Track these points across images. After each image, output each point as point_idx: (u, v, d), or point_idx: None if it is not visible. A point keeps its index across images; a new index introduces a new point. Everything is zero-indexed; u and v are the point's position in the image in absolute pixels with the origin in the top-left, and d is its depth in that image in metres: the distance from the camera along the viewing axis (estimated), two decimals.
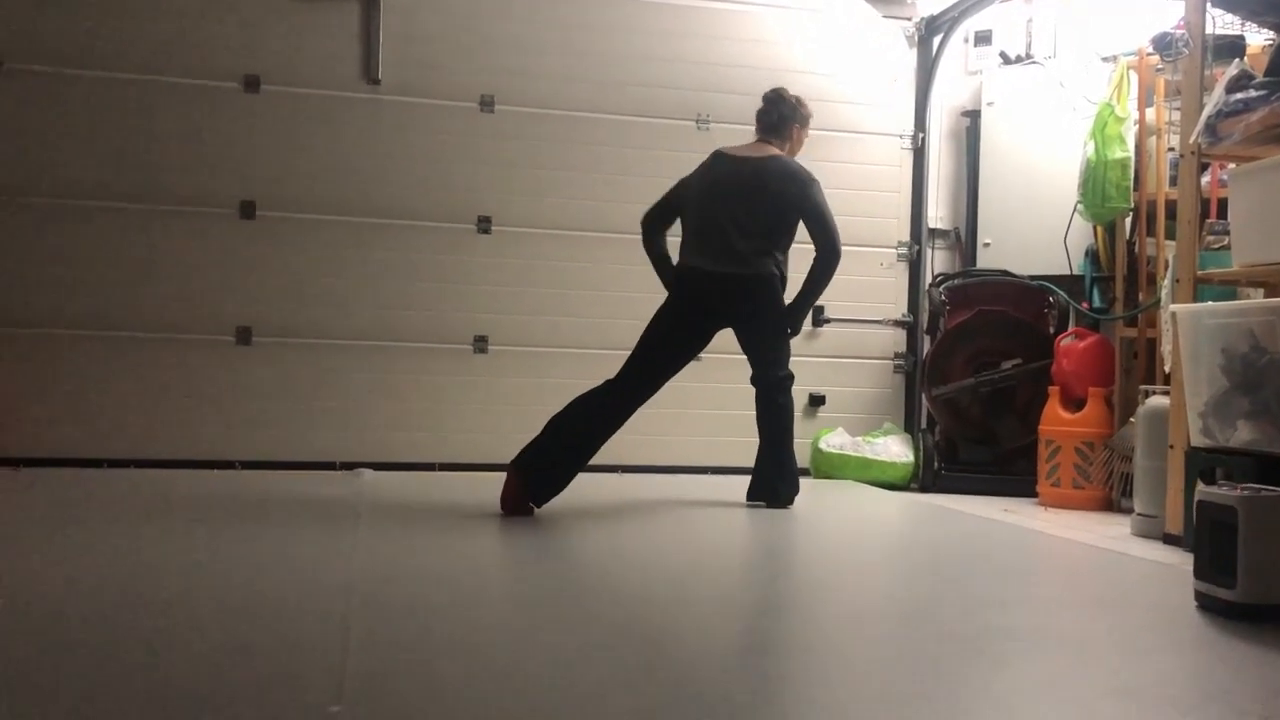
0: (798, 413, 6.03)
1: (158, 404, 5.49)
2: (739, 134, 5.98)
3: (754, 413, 4.53)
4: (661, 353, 4.33)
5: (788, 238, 4.49)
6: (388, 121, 5.73)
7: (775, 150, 4.53)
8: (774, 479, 4.49)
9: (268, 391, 5.60)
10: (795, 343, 6.03)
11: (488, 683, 2.03)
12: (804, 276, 4.51)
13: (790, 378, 4.54)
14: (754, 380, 4.51)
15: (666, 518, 4.31)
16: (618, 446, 5.76)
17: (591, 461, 5.59)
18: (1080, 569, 3.66)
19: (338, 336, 5.69)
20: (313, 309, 5.66)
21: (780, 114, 4.54)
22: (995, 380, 5.58)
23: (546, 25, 5.92)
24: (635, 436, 5.83)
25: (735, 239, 4.34)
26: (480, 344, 5.85)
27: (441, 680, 2.02)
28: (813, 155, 6.12)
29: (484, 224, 5.84)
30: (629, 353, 4.35)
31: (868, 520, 4.67)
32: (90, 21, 5.45)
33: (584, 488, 4.35)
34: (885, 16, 6.28)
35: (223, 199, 5.58)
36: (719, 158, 4.51)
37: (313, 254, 5.66)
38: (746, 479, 4.63)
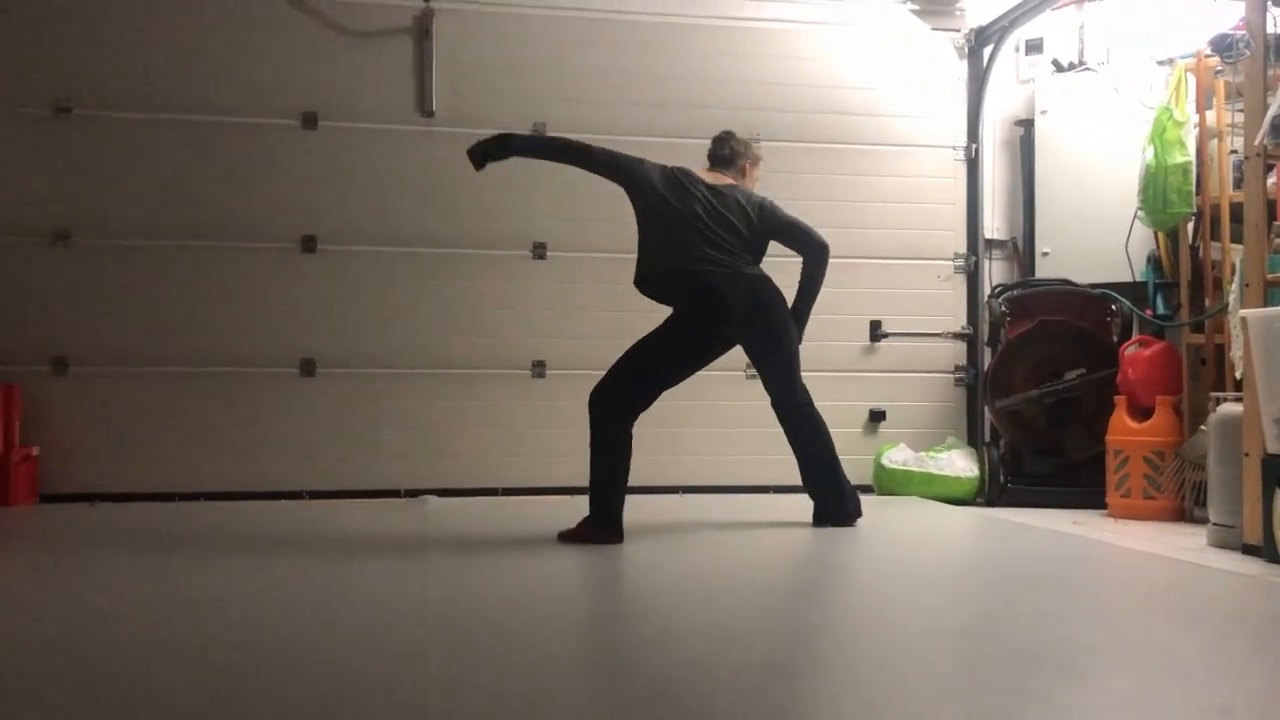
0: (858, 429, 6.06)
1: (225, 437, 5.60)
2: (791, 151, 6.05)
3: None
4: (675, 371, 4.27)
5: (762, 256, 4.47)
6: (442, 152, 5.80)
7: (733, 181, 4.49)
8: (837, 498, 4.45)
9: (332, 421, 5.69)
10: (854, 359, 6.11)
11: (568, 715, 2.04)
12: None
13: (809, 397, 4.51)
14: (778, 406, 4.47)
15: (734, 539, 4.30)
16: (677, 468, 5.84)
17: (653, 483, 5.66)
18: (1157, 581, 3.59)
19: (399, 365, 5.76)
20: (374, 338, 5.74)
21: (731, 149, 4.53)
22: (1059, 391, 5.50)
23: (596, 50, 5.98)
24: (694, 457, 5.89)
25: (726, 248, 4.27)
26: (539, 368, 5.89)
27: (519, 710, 2.03)
28: (864, 170, 6.16)
29: (539, 250, 5.89)
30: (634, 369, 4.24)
31: (935, 536, 4.62)
32: (152, 66, 5.60)
33: (649, 511, 4.36)
34: (934, 29, 6.26)
35: (284, 234, 5.69)
36: (689, 176, 4.38)
37: (373, 285, 5.75)
38: (802, 497, 4.58)
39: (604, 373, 4.21)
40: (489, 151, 4.33)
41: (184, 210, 5.61)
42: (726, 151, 4.53)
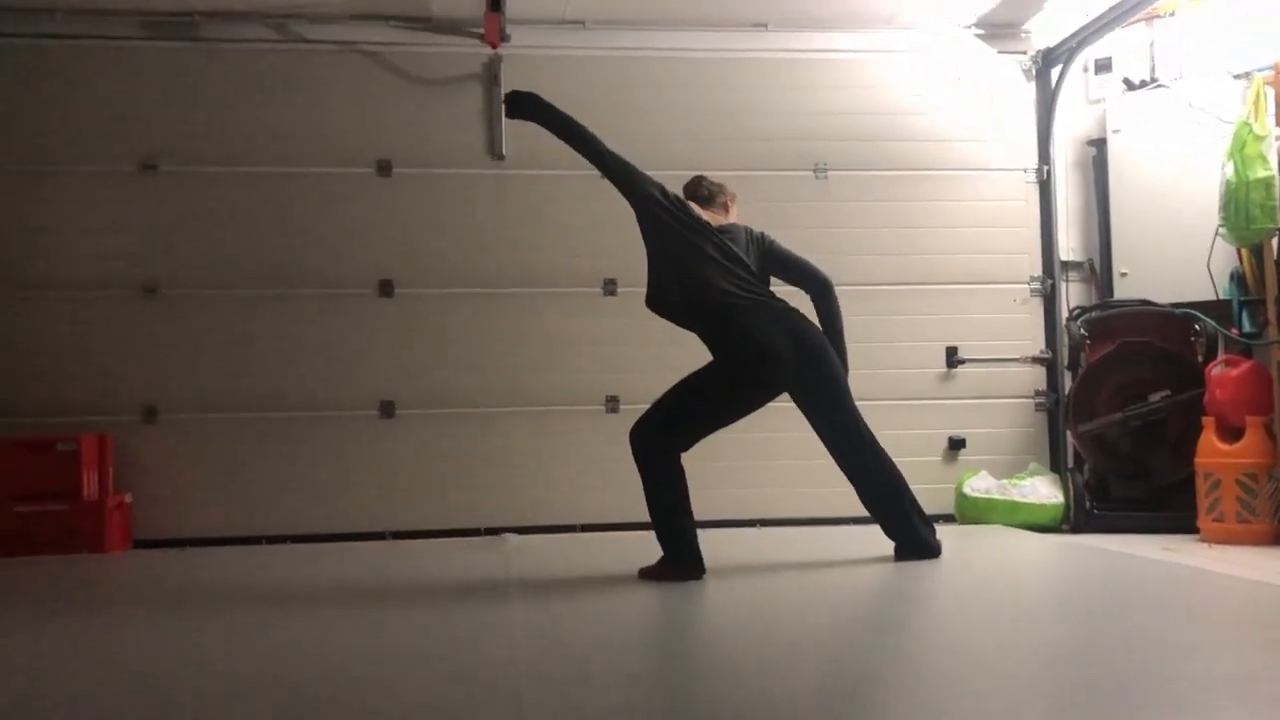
0: (938, 457, 5.99)
1: (309, 480, 5.71)
2: (859, 179, 6.05)
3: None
4: (720, 422, 4.18)
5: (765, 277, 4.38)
6: (513, 194, 5.91)
7: (720, 217, 4.42)
8: (916, 531, 4.35)
9: (412, 462, 5.77)
10: (931, 386, 6.05)
11: None
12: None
13: (868, 431, 4.34)
14: (836, 450, 4.31)
15: (815, 574, 4.27)
16: (753, 500, 5.83)
17: (730, 517, 5.64)
18: (1261, 609, 3.48)
19: (476, 404, 5.83)
20: (451, 379, 5.83)
21: (708, 189, 4.43)
22: (1144, 413, 5.39)
23: (658, 87, 6.05)
24: (771, 489, 5.87)
25: (743, 279, 4.18)
26: (612, 404, 5.92)
27: None
28: (934, 195, 6.13)
29: (609, 286, 5.94)
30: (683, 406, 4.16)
31: (1023, 565, 4.54)
32: (232, 121, 5.78)
33: (727, 545, 4.35)
34: (1001, 52, 6.22)
35: (362, 279, 5.82)
36: (687, 205, 4.30)
37: (448, 326, 5.84)
38: (877, 528, 4.50)
39: (649, 408, 4.15)
40: (519, 108, 4.35)
41: (265, 259, 5.77)
42: (705, 191, 4.45)
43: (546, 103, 4.33)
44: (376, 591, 4.04)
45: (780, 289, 4.35)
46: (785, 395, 4.26)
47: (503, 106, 4.42)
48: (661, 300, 4.21)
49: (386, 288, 5.83)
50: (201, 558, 5.16)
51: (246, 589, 4.19)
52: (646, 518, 4.15)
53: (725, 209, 4.45)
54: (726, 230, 4.29)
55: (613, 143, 5.86)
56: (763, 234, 4.42)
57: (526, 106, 4.34)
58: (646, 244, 4.26)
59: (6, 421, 5.50)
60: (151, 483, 5.62)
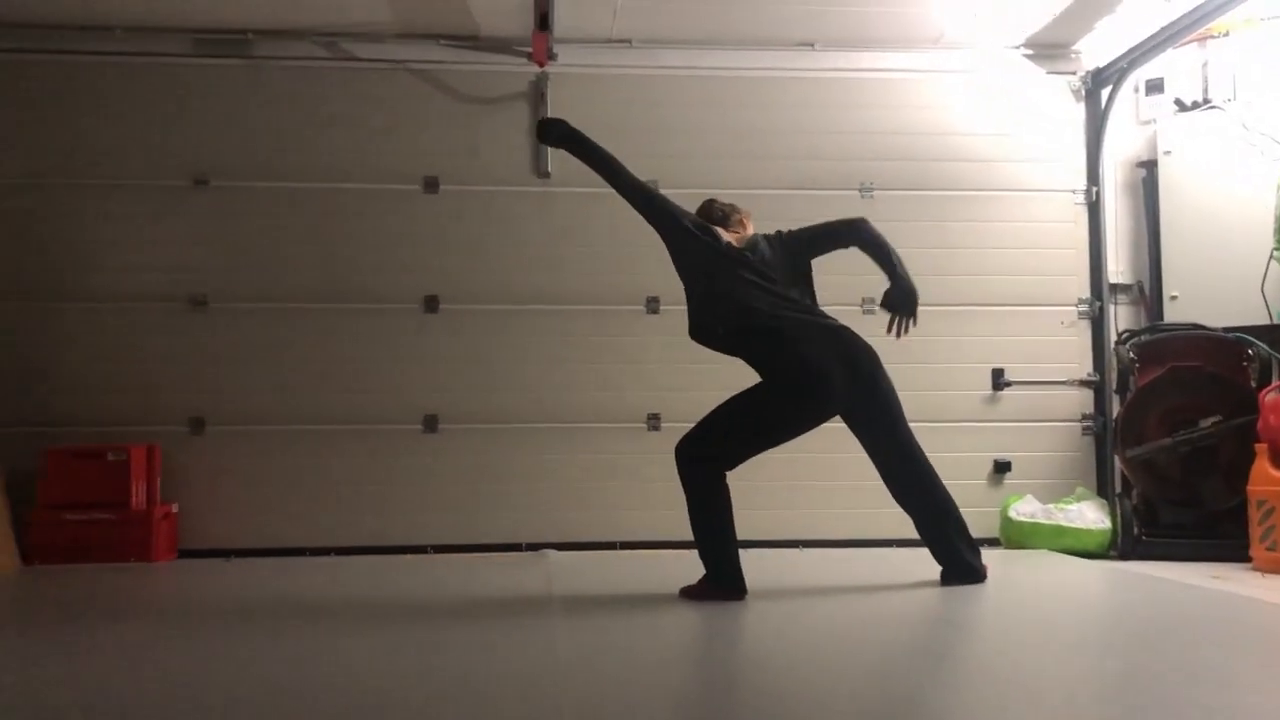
0: (982, 480, 5.93)
1: (353, 493, 5.76)
2: (906, 199, 6.02)
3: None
4: (768, 443, 4.14)
5: (813, 288, 4.32)
6: (559, 212, 5.94)
7: (740, 234, 4.33)
8: (963, 556, 4.29)
9: (454, 476, 5.80)
10: (976, 409, 5.98)
11: None
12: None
13: (922, 453, 4.25)
14: (888, 472, 4.23)
15: (858, 596, 4.23)
16: (795, 521, 5.80)
17: (771, 537, 5.62)
18: None
19: (518, 420, 5.86)
20: (494, 395, 5.86)
21: (720, 210, 4.38)
22: (1194, 439, 5.30)
23: (706, 106, 6.06)
24: (813, 511, 5.83)
25: (782, 293, 4.13)
26: (653, 421, 5.92)
27: None
28: (981, 216, 6.09)
29: (652, 304, 5.95)
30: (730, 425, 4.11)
31: (1071, 591, 4.47)
32: (282, 137, 5.88)
33: (769, 566, 4.32)
34: (1050, 73, 6.17)
35: (408, 295, 5.87)
36: (720, 237, 4.21)
37: (493, 342, 5.88)
38: (924, 551, 4.45)
39: (693, 425, 4.12)
40: (549, 134, 4.38)
41: (313, 274, 5.84)
42: (719, 214, 4.37)
43: (576, 131, 4.33)
44: (420, 605, 4.06)
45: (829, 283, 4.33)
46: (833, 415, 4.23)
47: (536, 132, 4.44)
48: (707, 332, 4.18)
49: (432, 303, 5.88)
50: (246, 568, 5.21)
51: (290, 600, 4.23)
52: (686, 536, 4.14)
53: (742, 225, 4.40)
54: (752, 247, 4.23)
55: (658, 161, 5.97)
56: (778, 231, 4.33)
57: (555, 134, 4.35)
58: (682, 276, 4.24)
59: (60, 431, 5.60)
60: (197, 493, 5.69)
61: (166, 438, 5.68)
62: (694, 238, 4.19)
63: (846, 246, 4.34)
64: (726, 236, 4.26)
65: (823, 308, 4.25)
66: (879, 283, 5.89)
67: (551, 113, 5.94)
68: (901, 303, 4.23)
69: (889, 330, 4.23)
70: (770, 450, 4.18)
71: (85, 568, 5.10)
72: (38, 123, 5.79)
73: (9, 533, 5.21)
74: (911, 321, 4.25)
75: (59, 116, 5.81)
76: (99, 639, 3.44)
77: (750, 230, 4.41)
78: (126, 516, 5.31)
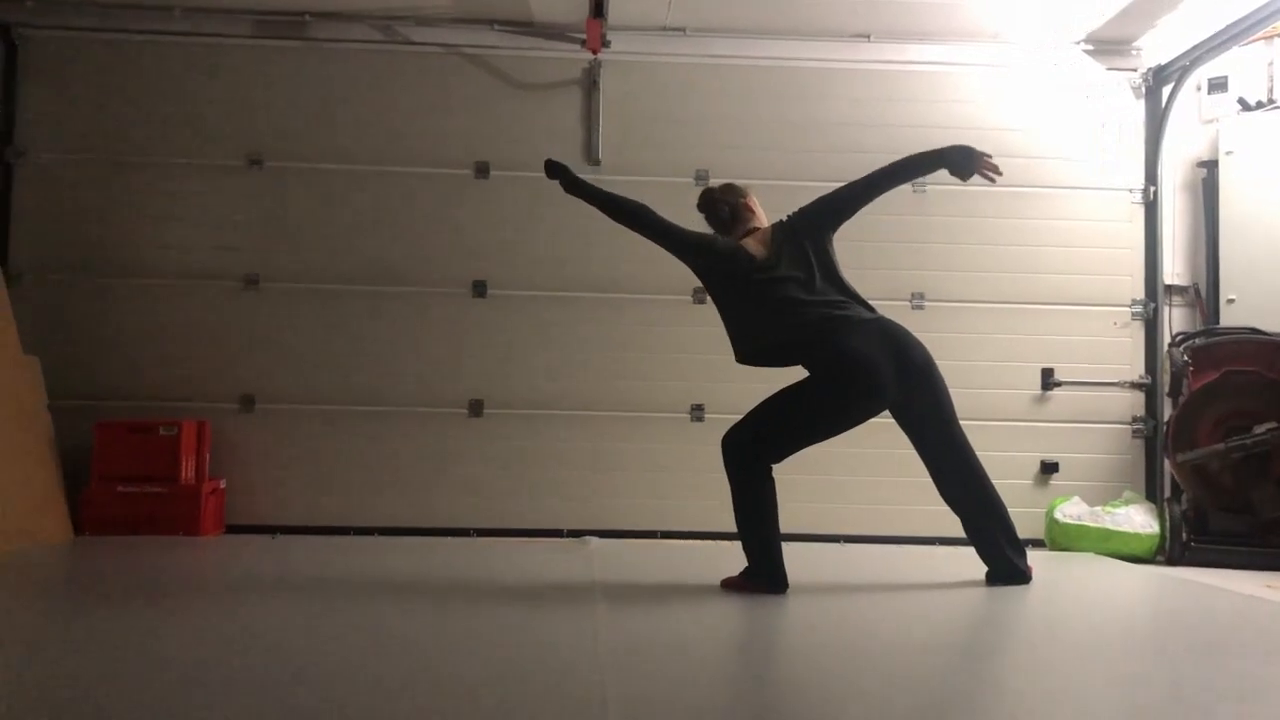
0: (1029, 481, 5.87)
1: (398, 474, 5.81)
2: (959, 195, 5.94)
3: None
4: (815, 437, 4.10)
5: (838, 276, 4.12)
6: None
7: (754, 228, 4.21)
8: (1009, 556, 4.24)
9: (498, 461, 5.84)
10: (1025, 408, 5.92)
11: None
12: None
13: (973, 454, 4.19)
14: (938, 470, 4.18)
15: (901, 594, 4.20)
16: (838, 516, 5.77)
17: (814, 531, 5.61)
18: None
19: (563, 407, 5.88)
20: (540, 381, 5.88)
21: (728, 207, 4.23)
22: (1248, 445, 5.20)
23: (755, 98, 6.03)
24: (856, 506, 5.81)
25: (820, 293, 4.02)
26: (697, 412, 5.91)
27: None
28: (1035, 213, 6.02)
29: (699, 295, 5.93)
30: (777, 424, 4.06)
31: (1118, 596, 4.41)
32: (336, 120, 5.92)
33: (812, 561, 4.30)
34: (1110, 69, 6.08)
35: (457, 279, 5.90)
36: (744, 252, 4.10)
37: (539, 328, 5.90)
38: (968, 550, 4.41)
39: (740, 418, 4.09)
40: (557, 178, 4.33)
41: (364, 256, 5.89)
42: (725, 212, 4.24)
43: (577, 178, 4.31)
44: (463, 587, 4.09)
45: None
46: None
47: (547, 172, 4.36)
48: (754, 354, 4.15)
49: (480, 288, 5.91)
50: (291, 545, 5.27)
51: (334, 579, 4.27)
52: (727, 528, 4.14)
53: (750, 213, 4.26)
54: (776, 252, 4.07)
55: (706, 151, 5.96)
56: (790, 216, 4.18)
57: (557, 178, 4.34)
58: (716, 302, 4.19)
59: (113, 405, 5.70)
60: (245, 470, 5.77)
61: (216, 414, 5.76)
62: (721, 261, 4.11)
63: (879, 192, 4.22)
64: (751, 247, 4.13)
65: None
66: (927, 277, 5.86)
67: (604, 101, 5.95)
68: (965, 157, 4.11)
69: (987, 174, 4.10)
70: (817, 446, 4.15)
71: (135, 540, 5.19)
72: (96, 100, 5.88)
73: (62, 504, 5.31)
74: (990, 159, 4.11)
75: (117, 95, 5.89)
76: (150, 610, 3.50)
77: (759, 214, 4.27)
78: (176, 490, 5.40)
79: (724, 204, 4.28)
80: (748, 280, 4.07)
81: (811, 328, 4.00)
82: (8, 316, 5.36)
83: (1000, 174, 4.16)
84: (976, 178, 4.18)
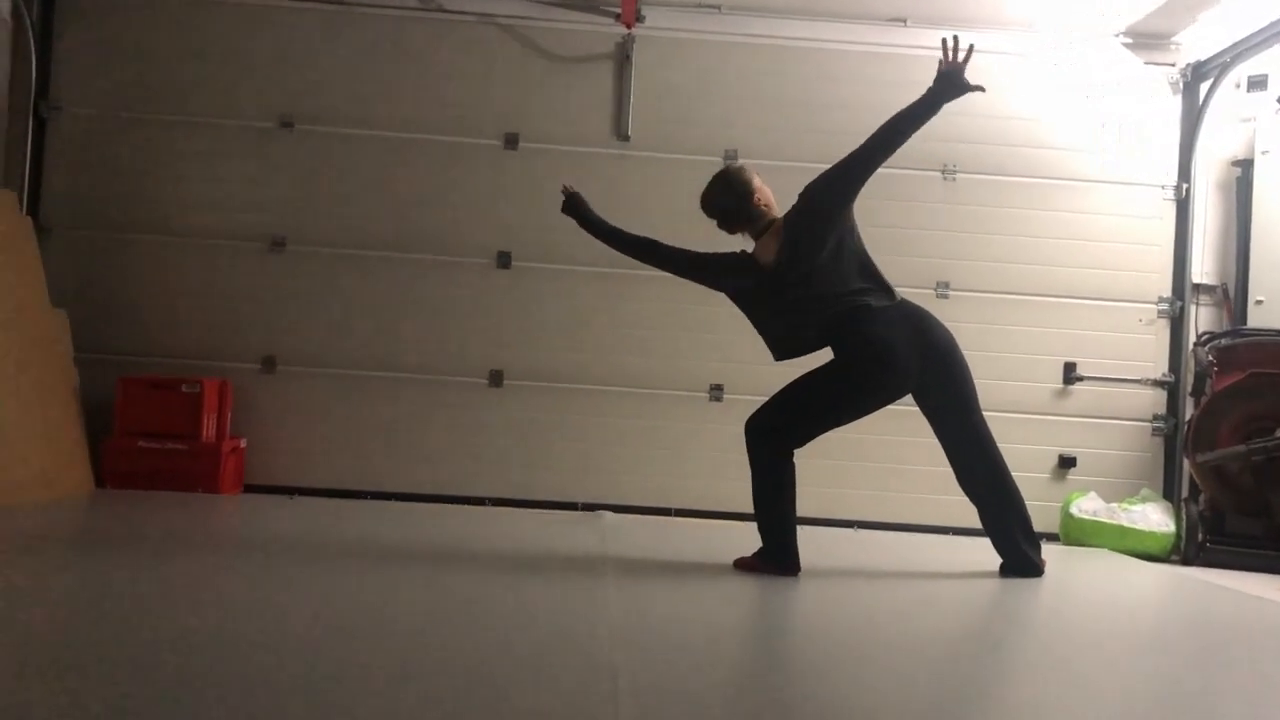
0: (1046, 475, 5.85)
1: (415, 441, 5.84)
2: (987, 184, 5.91)
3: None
4: (838, 419, 4.09)
5: (859, 256, 4.04)
6: (635, 176, 5.93)
7: (769, 221, 4.11)
8: (1024, 548, 4.22)
9: (516, 432, 5.86)
10: (1045, 402, 5.89)
11: None
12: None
13: (994, 443, 4.19)
14: (956, 456, 4.17)
15: (913, 582, 4.21)
16: (852, 501, 5.78)
17: (825, 515, 5.61)
18: None
19: (583, 381, 5.89)
20: (560, 354, 5.90)
21: (734, 200, 4.09)
22: (1269, 448, 5.16)
23: (788, 78, 6.00)
24: (875, 493, 5.81)
25: (840, 286, 3.97)
26: (716, 392, 5.92)
27: None
28: (1063, 206, 5.97)
29: None
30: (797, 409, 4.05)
31: (1131, 594, 4.40)
32: (367, 84, 5.92)
33: (823, 544, 4.30)
34: (1147, 63, 6.00)
35: (481, 249, 5.91)
36: (756, 263, 4.09)
37: (562, 302, 5.91)
38: (982, 541, 4.40)
39: (764, 401, 4.11)
40: (572, 216, 4.35)
41: (390, 222, 5.90)
42: (732, 205, 4.10)
43: (589, 217, 4.32)
44: (475, 557, 4.12)
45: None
46: (908, 400, 4.19)
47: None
48: (787, 355, 4.18)
49: (504, 259, 5.92)
50: (307, 506, 5.33)
51: (348, 542, 4.32)
52: (740, 508, 4.16)
53: (768, 208, 4.12)
54: (792, 254, 4.00)
55: (737, 131, 5.94)
56: (796, 205, 4.04)
57: (573, 216, 4.35)
58: (746, 315, 4.20)
59: (137, 360, 5.75)
60: (265, 430, 5.81)
61: (238, 374, 5.80)
62: (731, 284, 4.16)
63: (881, 154, 4.05)
64: (761, 255, 4.07)
65: (897, 290, 4.14)
66: (953, 266, 5.82)
67: (635, 75, 5.92)
68: (951, 85, 4.08)
69: (948, 56, 4.07)
70: (836, 429, 4.15)
71: (155, 494, 5.25)
72: (131, 57, 5.90)
73: (85, 456, 5.37)
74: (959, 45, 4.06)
75: (149, 53, 5.91)
76: (165, 565, 3.55)
77: (769, 203, 4.13)
78: (197, 448, 5.45)
79: (729, 198, 4.13)
80: (761, 292, 4.09)
81: (831, 327, 4.02)
82: (38, 269, 5.41)
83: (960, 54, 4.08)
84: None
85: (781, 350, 4.19)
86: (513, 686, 2.29)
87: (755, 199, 4.11)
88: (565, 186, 4.40)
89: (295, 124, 5.92)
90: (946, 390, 4.10)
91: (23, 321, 5.13)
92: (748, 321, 4.10)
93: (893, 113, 4.08)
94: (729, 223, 4.20)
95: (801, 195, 4.08)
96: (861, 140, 4.10)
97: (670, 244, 4.27)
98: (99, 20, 5.91)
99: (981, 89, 4.08)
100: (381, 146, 5.92)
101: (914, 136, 5.97)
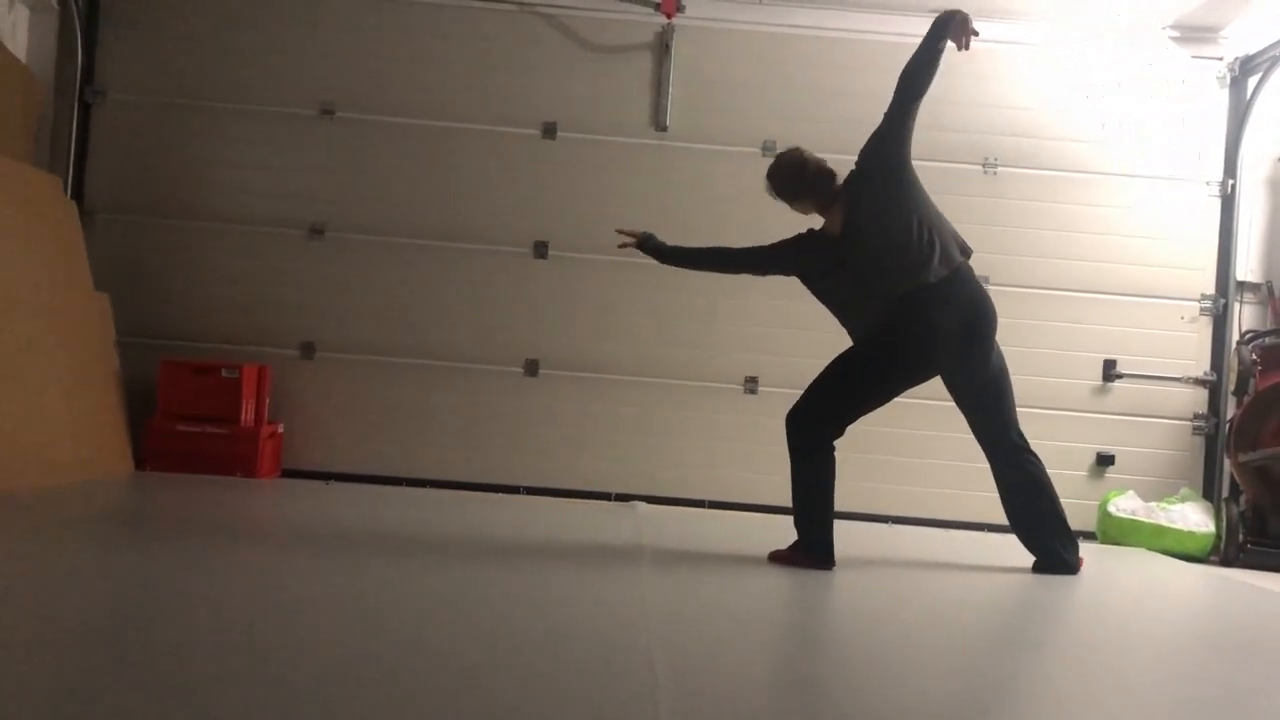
0: (1083, 472, 5.80)
1: (451, 428, 5.88)
2: (1026, 178, 5.86)
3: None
4: (877, 397, 4.09)
5: (925, 208, 4.05)
6: (673, 167, 5.92)
7: (830, 196, 4.12)
8: (1060, 546, 4.19)
9: (551, 421, 5.88)
10: (1084, 399, 5.84)
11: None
12: None
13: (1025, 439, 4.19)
14: (990, 445, 4.16)
15: (948, 578, 4.19)
16: (887, 497, 5.75)
17: (862, 510, 5.59)
18: None
19: (618, 371, 5.90)
20: (596, 344, 5.90)
21: (787, 181, 4.16)
22: None
23: (826, 69, 5.97)
24: (911, 488, 5.78)
25: (898, 257, 3.96)
26: (751, 385, 5.90)
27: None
28: (1105, 200, 5.91)
29: None
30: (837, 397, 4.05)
31: (1170, 594, 4.35)
32: (408, 74, 5.95)
33: (859, 539, 4.28)
34: (1194, 57, 5.92)
35: (519, 238, 5.93)
36: (823, 242, 4.14)
37: (599, 292, 5.92)
38: (1010, 538, 4.37)
39: (802, 394, 4.09)
40: (650, 254, 4.46)
41: (429, 211, 5.93)
42: (785, 185, 4.16)
43: (664, 248, 4.44)
44: (510, 545, 4.14)
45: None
46: (944, 395, 4.17)
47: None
48: (866, 317, 4.12)
49: (541, 249, 5.93)
50: (343, 492, 5.37)
51: (384, 529, 4.35)
52: (774, 501, 4.15)
53: (832, 177, 4.14)
54: (849, 205, 4.06)
55: (777, 122, 5.91)
56: (851, 172, 4.13)
57: (650, 254, 4.46)
58: (822, 298, 4.22)
59: (178, 344, 5.81)
60: (303, 416, 5.86)
61: (277, 360, 5.86)
62: (804, 267, 4.20)
63: (920, 88, 4.23)
64: (828, 226, 4.13)
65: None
66: (993, 260, 5.79)
67: (674, 65, 5.90)
68: (946, 21, 4.22)
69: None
70: (870, 424, 4.13)
71: (193, 478, 5.30)
72: (170, 45, 5.96)
73: (125, 438, 5.44)
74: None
75: (192, 40, 5.96)
76: (205, 550, 3.59)
77: (816, 163, 4.17)
78: (236, 432, 5.50)
79: (783, 179, 4.19)
80: (829, 270, 4.12)
81: (893, 308, 3.97)
82: (81, 252, 5.48)
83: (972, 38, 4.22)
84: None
85: (854, 329, 4.15)
86: (559, 674, 2.30)
87: (821, 164, 4.18)
88: (627, 240, 4.48)
89: (336, 111, 5.95)
90: (984, 372, 4.08)
91: (65, 304, 5.20)
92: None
93: (921, 93, 4.27)
94: (784, 185, 4.19)
95: (857, 159, 4.16)
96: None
97: (735, 247, 4.34)
98: (143, 7, 5.97)
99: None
100: (420, 135, 5.95)
101: (955, 129, 5.96)
